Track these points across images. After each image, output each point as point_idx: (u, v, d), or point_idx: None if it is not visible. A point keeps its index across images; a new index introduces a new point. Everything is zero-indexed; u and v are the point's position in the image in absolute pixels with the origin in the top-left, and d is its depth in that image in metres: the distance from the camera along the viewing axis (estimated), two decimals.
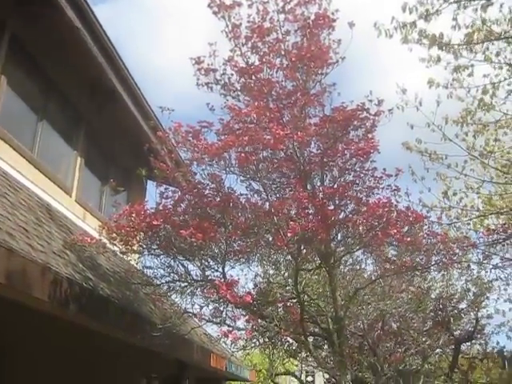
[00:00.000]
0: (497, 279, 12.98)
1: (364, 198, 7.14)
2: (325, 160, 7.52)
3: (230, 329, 7.07)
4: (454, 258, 7.91)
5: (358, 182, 7.20)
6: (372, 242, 6.90)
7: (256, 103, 7.10)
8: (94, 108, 10.93)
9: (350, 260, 10.16)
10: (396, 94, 9.64)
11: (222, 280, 7.15)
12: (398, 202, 7.13)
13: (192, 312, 7.86)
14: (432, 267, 8.15)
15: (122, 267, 9.29)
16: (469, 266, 11.49)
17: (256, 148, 6.78)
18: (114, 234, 7.42)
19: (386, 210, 6.84)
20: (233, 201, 7.31)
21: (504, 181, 10.88)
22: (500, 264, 10.18)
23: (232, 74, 8.17)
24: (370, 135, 7.69)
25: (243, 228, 6.89)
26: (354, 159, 7.36)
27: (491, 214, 10.34)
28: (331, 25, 8.24)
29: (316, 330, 9.45)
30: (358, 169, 7.46)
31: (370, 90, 7.73)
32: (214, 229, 6.78)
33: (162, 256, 7.70)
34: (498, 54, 9.34)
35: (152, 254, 7.74)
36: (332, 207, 7.04)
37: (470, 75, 8.73)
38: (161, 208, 7.50)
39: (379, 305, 9.46)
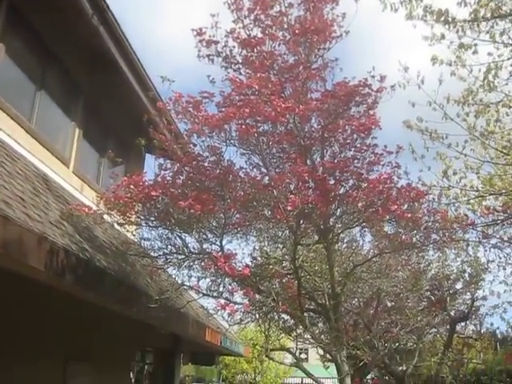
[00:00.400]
0: (493, 260, 12.99)
1: (364, 174, 7.09)
2: (325, 135, 7.46)
3: (228, 302, 7.06)
4: (454, 237, 7.86)
5: (358, 157, 7.15)
6: (372, 218, 6.86)
7: (258, 75, 7.01)
8: (93, 79, 10.80)
9: (349, 236, 10.13)
10: (398, 72, 9.56)
11: (220, 253, 7.12)
12: (399, 178, 7.09)
13: (189, 285, 7.85)
14: (431, 245, 8.11)
15: (119, 239, 9.26)
16: (468, 244, 11.50)
17: (257, 120, 6.71)
18: (112, 205, 7.37)
19: (387, 186, 6.79)
20: (232, 173, 7.25)
21: (504, 162, 10.85)
22: (499, 244, 10.15)
23: (234, 47, 8.07)
24: (371, 112, 7.63)
25: (242, 201, 6.84)
26: (355, 135, 7.31)
27: (490, 194, 10.30)
28: None
29: (312, 306, 9.46)
30: (358, 145, 7.41)
31: (372, 66, 7.66)
32: (213, 201, 6.73)
33: (159, 228, 7.67)
34: (501, 34, 9.28)
35: (149, 226, 7.70)
36: (332, 182, 6.99)
37: (474, 53, 8.63)
38: (159, 179, 7.44)
39: (375, 283, 9.46)
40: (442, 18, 7.68)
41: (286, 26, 7.92)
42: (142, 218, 7.58)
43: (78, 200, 9.78)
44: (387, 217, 6.94)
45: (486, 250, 11.05)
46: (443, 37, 8.67)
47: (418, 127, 10.72)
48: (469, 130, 10.56)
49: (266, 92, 6.80)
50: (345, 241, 10.20)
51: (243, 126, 6.60)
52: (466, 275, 14.42)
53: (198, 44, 8.05)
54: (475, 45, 9.42)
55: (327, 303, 7.92)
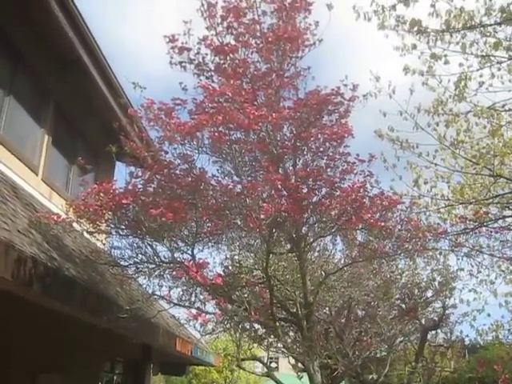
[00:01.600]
0: (463, 269, 13.14)
1: (338, 182, 7.08)
2: (298, 144, 7.44)
3: (200, 312, 6.95)
4: (426, 246, 7.85)
5: (331, 165, 7.14)
6: (345, 227, 6.84)
7: (231, 82, 6.96)
8: (63, 85, 10.66)
9: (321, 245, 10.08)
10: (370, 82, 9.62)
11: (192, 262, 7.02)
12: (372, 186, 7.08)
13: (160, 294, 7.73)
14: (403, 254, 8.10)
15: (89, 248, 9.11)
16: (441, 253, 11.57)
17: (229, 128, 6.66)
18: (82, 213, 7.23)
19: (360, 194, 6.79)
20: (204, 182, 7.18)
21: (474, 171, 10.96)
22: (472, 253, 10.21)
23: (206, 54, 8.03)
24: (343, 120, 7.65)
25: (214, 209, 6.77)
26: (328, 143, 7.31)
27: (460, 203, 10.37)
28: (308, 8, 8.14)
29: (283, 315, 9.39)
30: (331, 153, 7.41)
31: (345, 75, 7.70)
32: (185, 209, 6.64)
33: (130, 237, 7.55)
34: (471, 45, 9.43)
35: (120, 235, 7.58)
36: (305, 190, 6.97)
37: (445, 63, 8.73)
38: (130, 187, 7.33)
39: (347, 291, 9.43)
40: (416, 28, 7.73)
41: (258, 34, 7.91)
42: (113, 226, 7.46)
43: (46, 208, 9.61)
44: (360, 225, 6.92)
45: (458, 259, 11.13)
46: (415, 47, 8.76)
47: (389, 136, 10.78)
48: (439, 140, 10.67)
49: (240, 99, 6.76)
50: (317, 249, 10.15)
51: (216, 134, 6.54)
52: (436, 283, 14.49)
53: (170, 51, 8.00)
54: (445, 55, 9.60)
55: (299, 312, 7.88)
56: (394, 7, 7.43)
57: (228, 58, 7.54)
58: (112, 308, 7.62)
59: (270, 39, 7.49)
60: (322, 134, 7.35)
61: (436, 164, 11.00)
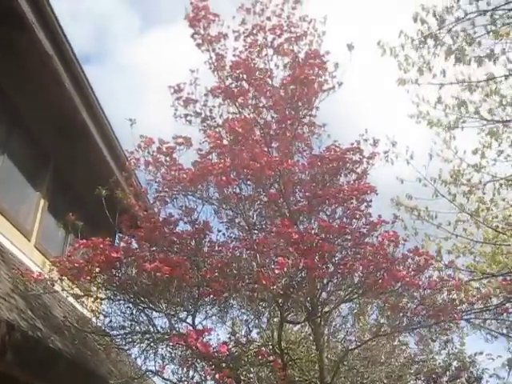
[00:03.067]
0: (481, 353, 12.70)
1: (363, 237, 6.19)
2: (313, 203, 6.71)
3: None
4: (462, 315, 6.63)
5: (356, 218, 6.35)
6: (377, 287, 5.72)
7: (243, 116, 6.31)
8: (63, 148, 10.10)
9: (340, 312, 8.86)
10: (385, 146, 9.22)
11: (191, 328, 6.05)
12: (405, 240, 6.15)
13: (154, 370, 6.65)
14: (441, 324, 6.86)
15: (76, 315, 8.24)
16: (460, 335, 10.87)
17: (239, 173, 5.91)
18: (65, 270, 6.25)
19: (390, 251, 5.86)
20: (211, 245, 6.38)
21: (497, 241, 10.63)
22: None
23: (214, 106, 7.45)
24: (361, 181, 6.99)
25: (220, 267, 5.86)
26: (348, 201, 6.53)
27: (492, 276, 9.74)
28: (323, 66, 7.61)
29: None
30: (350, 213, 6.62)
31: (365, 129, 7.20)
32: (185, 265, 5.73)
33: (121, 301, 6.57)
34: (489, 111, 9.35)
35: (110, 299, 6.63)
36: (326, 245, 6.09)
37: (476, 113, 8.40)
38: (123, 244, 6.51)
39: (368, 371, 8.29)
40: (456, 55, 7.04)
41: (268, 94, 7.34)
42: (101, 285, 6.48)
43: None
44: (394, 285, 5.82)
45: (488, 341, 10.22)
46: (435, 106, 8.45)
47: (407, 205, 10.46)
48: (460, 208, 10.38)
49: (252, 137, 6.05)
50: (336, 319, 8.90)
51: (223, 179, 5.72)
52: (453, 368, 13.63)
53: (174, 102, 7.48)
54: (463, 122, 9.43)
55: None
56: (429, 29, 6.83)
57: (237, 103, 6.92)
58: None
59: (285, 81, 6.88)
60: (340, 191, 6.61)
61: (457, 235, 10.57)
